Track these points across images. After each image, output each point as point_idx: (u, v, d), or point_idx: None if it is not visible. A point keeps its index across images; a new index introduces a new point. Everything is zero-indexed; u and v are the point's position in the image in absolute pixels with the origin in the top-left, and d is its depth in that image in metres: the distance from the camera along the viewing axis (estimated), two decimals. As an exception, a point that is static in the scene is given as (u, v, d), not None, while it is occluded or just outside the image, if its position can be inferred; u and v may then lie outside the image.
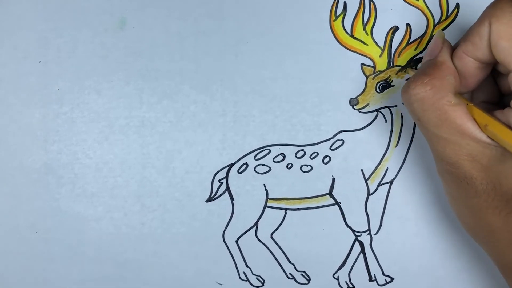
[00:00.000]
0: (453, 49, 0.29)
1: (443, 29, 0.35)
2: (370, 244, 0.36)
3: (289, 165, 0.36)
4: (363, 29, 0.35)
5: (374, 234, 0.36)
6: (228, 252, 0.36)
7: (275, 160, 0.36)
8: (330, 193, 0.36)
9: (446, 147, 0.28)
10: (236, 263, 0.36)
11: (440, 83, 0.27)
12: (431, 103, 0.27)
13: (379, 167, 0.35)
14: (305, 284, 0.36)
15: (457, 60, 0.28)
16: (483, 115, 0.27)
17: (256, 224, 0.36)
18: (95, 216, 0.36)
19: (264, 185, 0.36)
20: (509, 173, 0.27)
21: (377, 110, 0.35)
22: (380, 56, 0.35)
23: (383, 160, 0.35)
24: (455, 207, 0.30)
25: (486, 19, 0.26)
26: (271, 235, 0.36)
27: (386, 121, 0.35)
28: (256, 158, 0.36)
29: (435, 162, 0.30)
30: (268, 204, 0.36)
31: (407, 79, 0.35)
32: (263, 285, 0.36)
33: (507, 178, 0.27)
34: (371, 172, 0.35)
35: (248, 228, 0.36)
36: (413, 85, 0.28)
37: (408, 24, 0.35)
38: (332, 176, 0.36)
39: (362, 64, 0.35)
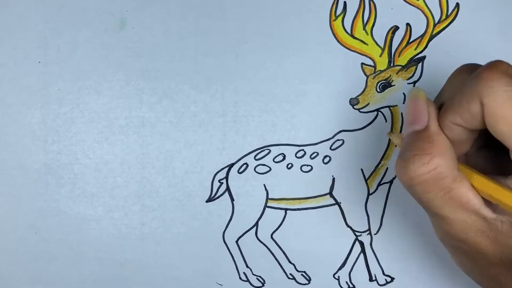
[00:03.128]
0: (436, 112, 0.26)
1: (443, 29, 0.35)
2: (371, 244, 0.36)
3: (289, 165, 0.36)
4: (363, 29, 0.35)
5: (374, 234, 0.36)
6: (228, 252, 0.36)
7: (275, 160, 0.36)
8: (330, 193, 0.36)
9: (452, 225, 0.25)
10: (236, 263, 0.36)
11: (444, 162, 0.24)
12: (436, 184, 0.24)
13: (379, 166, 0.35)
14: (305, 284, 0.36)
15: (446, 130, 0.25)
16: (491, 189, 0.24)
17: (256, 224, 0.36)
18: (95, 216, 0.36)
19: (264, 185, 0.36)
20: None
21: (377, 110, 0.35)
22: (380, 55, 0.35)
23: (383, 159, 0.35)
24: (470, 275, 0.28)
25: (476, 97, 0.23)
26: (271, 235, 0.36)
27: (386, 121, 0.35)
28: (256, 158, 0.36)
29: (438, 237, 0.27)
30: (268, 204, 0.36)
31: (408, 79, 0.35)
32: (263, 285, 0.36)
33: None
34: (371, 171, 0.35)
35: (248, 228, 0.36)
36: (413, 166, 0.24)
37: (408, 24, 0.35)
38: (332, 176, 0.36)
39: (362, 63, 0.35)
